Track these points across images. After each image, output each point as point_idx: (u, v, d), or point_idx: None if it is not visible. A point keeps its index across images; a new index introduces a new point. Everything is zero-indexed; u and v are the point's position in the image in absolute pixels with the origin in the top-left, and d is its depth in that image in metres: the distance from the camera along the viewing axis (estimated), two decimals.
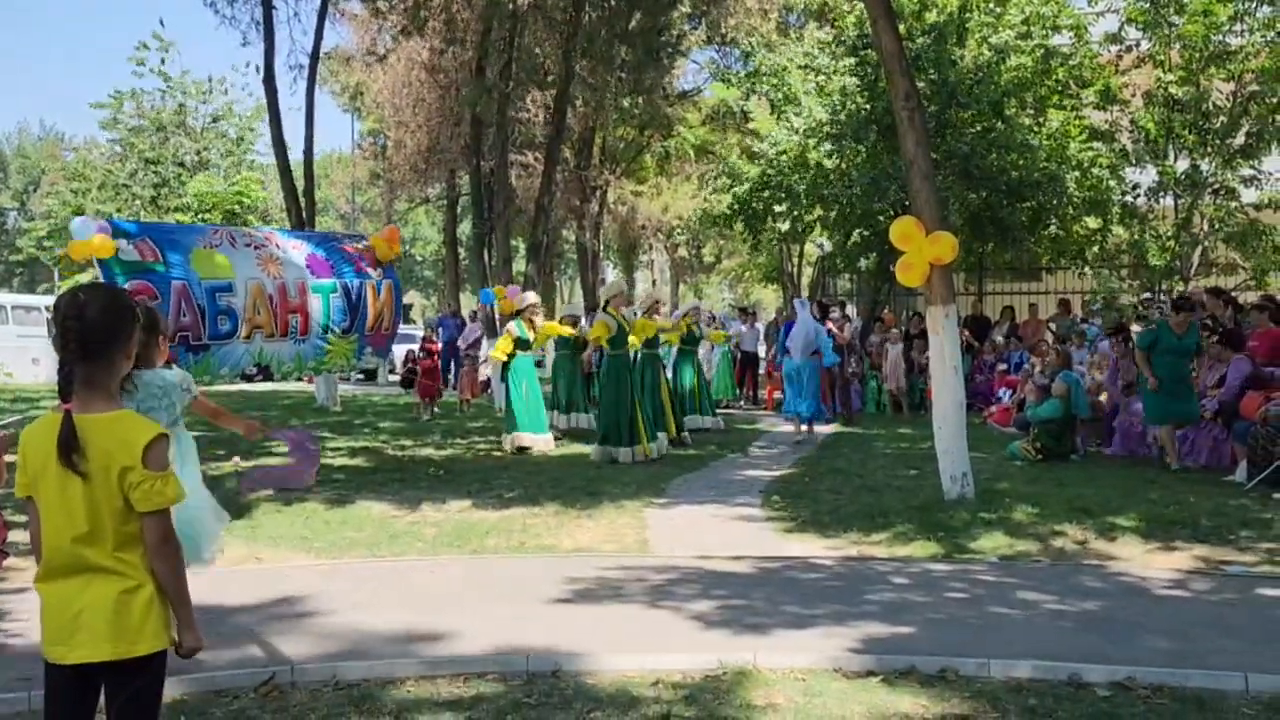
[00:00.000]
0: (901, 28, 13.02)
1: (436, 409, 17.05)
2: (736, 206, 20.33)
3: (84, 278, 18.91)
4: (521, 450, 12.25)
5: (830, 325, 15.84)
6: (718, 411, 15.53)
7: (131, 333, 2.82)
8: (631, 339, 12.25)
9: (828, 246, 21.98)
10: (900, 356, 16.90)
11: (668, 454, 12.10)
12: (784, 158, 18.63)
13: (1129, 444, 11.57)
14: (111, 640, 2.69)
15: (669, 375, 13.77)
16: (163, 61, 38.65)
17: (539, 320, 13.07)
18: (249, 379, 9.60)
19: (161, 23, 42.51)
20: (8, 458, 5.18)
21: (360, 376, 24.87)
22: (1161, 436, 10.55)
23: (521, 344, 12.65)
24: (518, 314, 13.09)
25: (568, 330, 13.69)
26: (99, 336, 2.73)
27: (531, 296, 13.61)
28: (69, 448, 2.65)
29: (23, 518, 6.64)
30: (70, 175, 39.17)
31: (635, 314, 12.84)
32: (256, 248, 9.67)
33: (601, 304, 12.92)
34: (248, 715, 4.24)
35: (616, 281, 13.46)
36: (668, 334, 13.79)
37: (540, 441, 12.48)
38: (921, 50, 16.75)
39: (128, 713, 2.75)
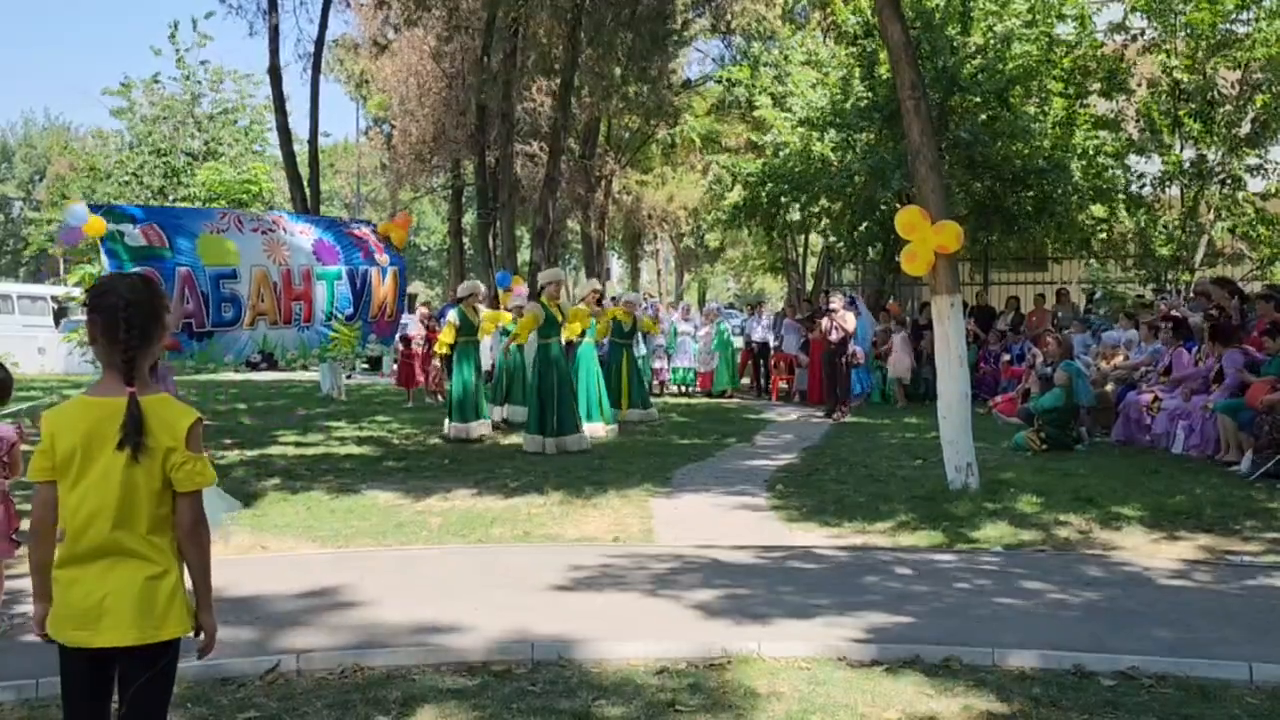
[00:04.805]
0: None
1: (432, 399, 17.18)
2: (744, 204, 20.31)
3: (92, 269, 18.88)
4: (455, 441, 12.21)
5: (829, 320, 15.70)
6: (727, 395, 15.49)
7: (165, 318, 2.91)
8: (571, 327, 12.24)
9: (834, 238, 21.97)
10: (902, 346, 16.88)
11: (605, 442, 12.11)
12: (787, 150, 18.61)
13: (1130, 431, 11.58)
14: (138, 625, 2.72)
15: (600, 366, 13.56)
16: (186, 50, 38.46)
17: (482, 309, 13.04)
18: (254, 367, 9.54)
19: (206, 16, 42.09)
20: (24, 446, 5.18)
21: (365, 366, 24.87)
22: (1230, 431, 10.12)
23: (466, 330, 12.63)
24: (458, 302, 13.10)
25: (507, 318, 13.56)
26: (152, 322, 2.82)
27: (469, 286, 13.53)
28: (138, 431, 2.71)
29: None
30: (87, 172, 38.93)
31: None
32: (264, 232, 9.64)
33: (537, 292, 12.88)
34: (253, 703, 4.26)
35: (552, 270, 13.33)
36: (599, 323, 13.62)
37: (474, 429, 12.44)
38: (921, 35, 16.65)
39: (142, 697, 2.77)
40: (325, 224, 10.99)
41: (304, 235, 9.96)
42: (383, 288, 10.51)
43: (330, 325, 9.99)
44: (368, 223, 11.35)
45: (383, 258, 10.59)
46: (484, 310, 13.21)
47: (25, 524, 6.62)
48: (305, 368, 16.58)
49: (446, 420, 12.64)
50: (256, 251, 9.27)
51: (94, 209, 8.60)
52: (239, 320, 9.04)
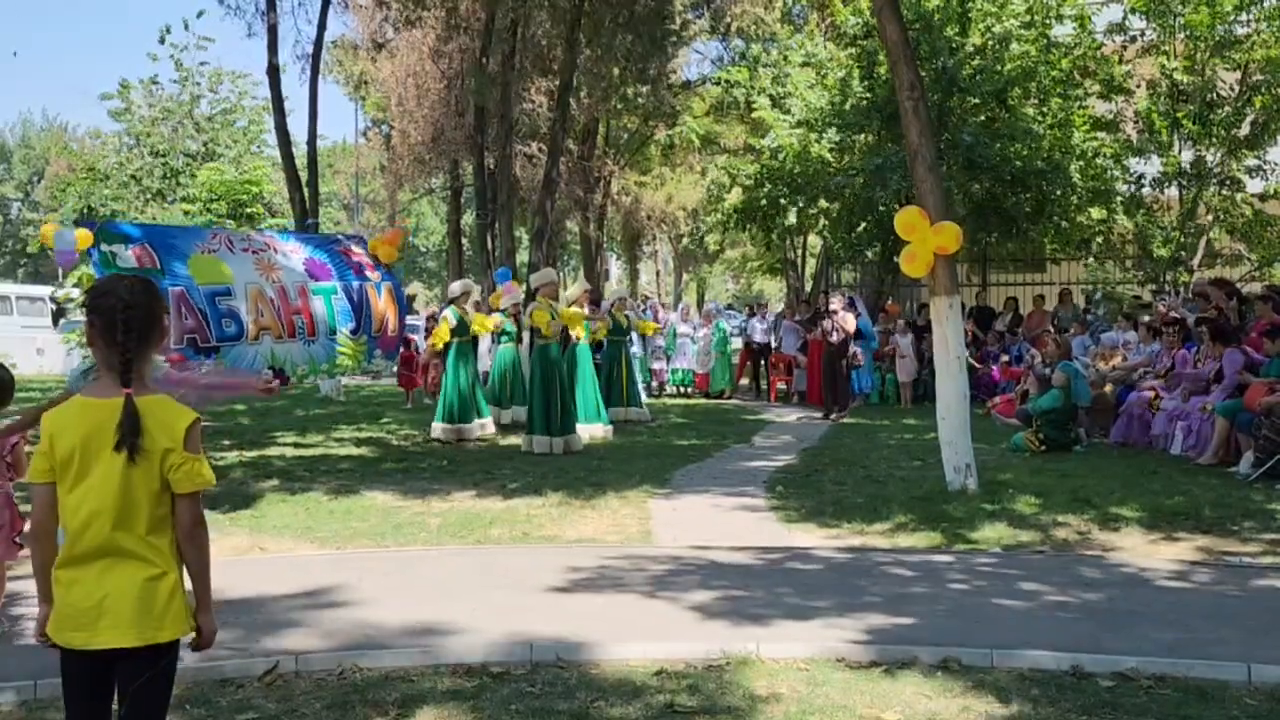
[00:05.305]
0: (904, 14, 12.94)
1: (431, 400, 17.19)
2: (741, 209, 20.31)
3: (91, 270, 18.90)
4: (446, 442, 12.20)
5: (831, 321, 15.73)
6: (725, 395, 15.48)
7: (163, 321, 2.93)
8: (576, 330, 12.28)
9: (833, 240, 21.96)
10: (908, 350, 16.90)
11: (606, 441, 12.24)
12: (785, 153, 18.61)
13: (1130, 432, 11.58)
14: (137, 626, 2.72)
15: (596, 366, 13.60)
16: (182, 51, 38.40)
17: (471, 310, 13.06)
18: None
19: (197, 15, 42.21)
20: (27, 447, 5.17)
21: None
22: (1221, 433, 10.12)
23: (462, 329, 12.63)
24: (451, 302, 13.15)
25: (490, 324, 13.56)
26: (150, 324, 2.83)
27: (462, 285, 13.54)
28: (134, 432, 2.71)
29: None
30: (86, 173, 38.82)
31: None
32: (255, 252, 9.70)
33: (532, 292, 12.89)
34: (251, 704, 4.26)
35: (546, 271, 13.37)
36: (596, 325, 13.65)
37: (473, 430, 12.46)
38: (920, 36, 16.67)
39: (141, 698, 2.77)
40: (316, 242, 11.04)
41: (294, 254, 10.02)
42: (379, 303, 10.55)
43: (336, 339, 10.03)
44: (360, 239, 11.38)
45: (374, 274, 10.64)
46: (475, 314, 13.22)
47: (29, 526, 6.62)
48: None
49: (436, 422, 12.61)
50: (249, 270, 9.33)
51: (89, 225, 8.66)
52: (243, 335, 9.07)
